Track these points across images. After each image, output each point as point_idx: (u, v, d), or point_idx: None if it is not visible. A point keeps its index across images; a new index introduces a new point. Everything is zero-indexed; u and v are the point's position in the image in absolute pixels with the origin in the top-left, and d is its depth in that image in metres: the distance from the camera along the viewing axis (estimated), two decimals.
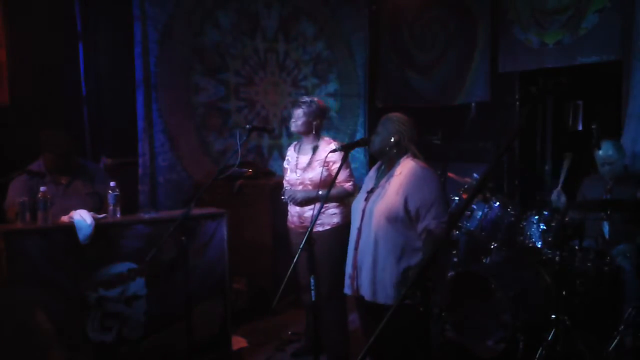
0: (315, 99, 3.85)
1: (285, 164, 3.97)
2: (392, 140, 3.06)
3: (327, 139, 3.84)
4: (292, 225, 3.90)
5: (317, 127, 3.78)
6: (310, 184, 3.73)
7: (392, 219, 2.93)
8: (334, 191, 3.58)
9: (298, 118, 3.75)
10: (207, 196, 4.38)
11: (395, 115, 3.14)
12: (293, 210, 3.85)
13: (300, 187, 3.78)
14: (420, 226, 2.92)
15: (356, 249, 3.09)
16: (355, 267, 3.09)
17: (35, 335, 3.13)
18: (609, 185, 4.15)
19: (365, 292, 3.02)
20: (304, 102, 3.76)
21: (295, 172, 3.83)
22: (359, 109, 6.71)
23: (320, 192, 3.64)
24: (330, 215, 3.72)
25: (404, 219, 2.92)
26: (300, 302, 4.17)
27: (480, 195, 4.29)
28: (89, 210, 3.42)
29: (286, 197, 3.79)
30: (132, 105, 4.88)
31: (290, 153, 3.96)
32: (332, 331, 3.76)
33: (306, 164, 3.77)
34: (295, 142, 3.96)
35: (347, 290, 3.21)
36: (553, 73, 5.08)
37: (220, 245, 3.79)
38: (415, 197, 2.91)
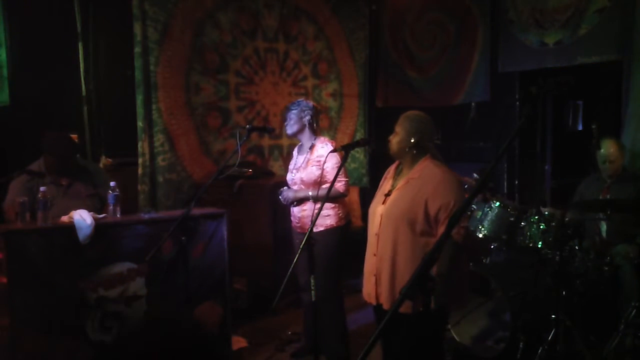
0: (302, 99, 3.99)
1: (289, 164, 4.03)
2: (411, 141, 2.87)
3: (322, 138, 3.86)
4: (293, 225, 3.93)
5: (309, 123, 3.82)
6: (303, 184, 3.76)
7: (411, 224, 2.77)
8: (324, 192, 3.59)
9: (290, 120, 3.82)
10: (207, 196, 4.38)
11: (414, 114, 2.95)
12: (291, 210, 3.89)
13: (295, 187, 3.82)
14: (440, 230, 2.74)
15: (374, 255, 2.91)
16: (372, 273, 2.92)
17: None
18: (607, 184, 4.16)
19: (385, 300, 2.85)
20: (292, 104, 3.87)
21: (292, 172, 3.87)
22: (359, 109, 6.70)
23: (310, 192, 3.70)
24: (324, 217, 3.72)
25: (423, 223, 2.76)
26: (300, 302, 4.17)
27: (480, 195, 4.29)
28: (90, 211, 3.42)
29: (281, 197, 3.84)
30: (132, 105, 4.88)
31: (294, 153, 4.01)
32: (330, 332, 3.76)
33: (300, 164, 3.80)
34: (300, 144, 3.97)
35: (367, 298, 3.01)
36: (553, 73, 5.08)
37: (220, 245, 3.79)
38: (435, 200, 2.74)
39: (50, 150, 3.67)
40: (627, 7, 4.64)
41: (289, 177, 3.92)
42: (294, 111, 3.80)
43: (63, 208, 3.49)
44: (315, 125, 3.85)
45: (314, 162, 3.74)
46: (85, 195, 3.75)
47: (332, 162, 3.68)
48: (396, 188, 2.90)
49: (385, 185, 3.00)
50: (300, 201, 3.77)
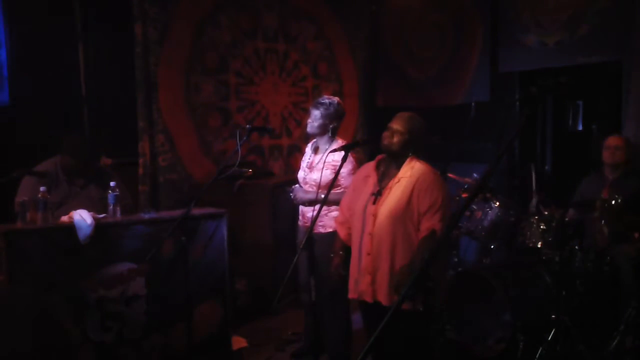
0: (336, 100, 3.75)
1: (302, 161, 3.95)
2: (408, 142, 2.95)
3: (340, 141, 3.76)
4: (300, 224, 3.90)
5: (333, 129, 3.71)
6: (314, 185, 3.72)
7: (410, 221, 2.86)
8: (336, 196, 3.56)
9: (315, 119, 3.69)
10: (207, 196, 4.38)
11: (417, 117, 3.03)
12: (300, 209, 3.86)
13: (306, 187, 3.79)
14: (424, 225, 2.83)
15: (368, 254, 2.94)
16: (367, 272, 2.95)
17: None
18: (608, 182, 4.16)
19: (384, 297, 2.89)
20: (322, 104, 3.69)
21: (304, 170, 3.83)
22: (359, 109, 6.70)
23: (321, 195, 3.60)
24: (333, 219, 3.69)
25: (416, 220, 2.88)
26: (300, 302, 4.17)
27: (480, 195, 4.29)
28: (100, 215, 3.42)
29: (291, 195, 3.80)
30: (132, 105, 4.88)
31: (307, 150, 3.94)
32: (334, 331, 3.75)
33: (314, 164, 3.77)
34: (314, 140, 3.88)
35: (353, 295, 3.08)
36: (553, 73, 5.08)
37: (220, 245, 3.79)
38: (425, 198, 2.85)
39: (70, 151, 3.69)
40: (627, 7, 4.63)
41: (300, 174, 3.86)
42: (321, 112, 3.66)
43: (75, 209, 3.48)
44: (336, 130, 3.75)
45: (329, 165, 3.59)
46: (97, 198, 3.75)
47: (347, 168, 3.59)
48: (387, 187, 2.94)
49: (369, 184, 3.02)
50: (310, 202, 3.70)
